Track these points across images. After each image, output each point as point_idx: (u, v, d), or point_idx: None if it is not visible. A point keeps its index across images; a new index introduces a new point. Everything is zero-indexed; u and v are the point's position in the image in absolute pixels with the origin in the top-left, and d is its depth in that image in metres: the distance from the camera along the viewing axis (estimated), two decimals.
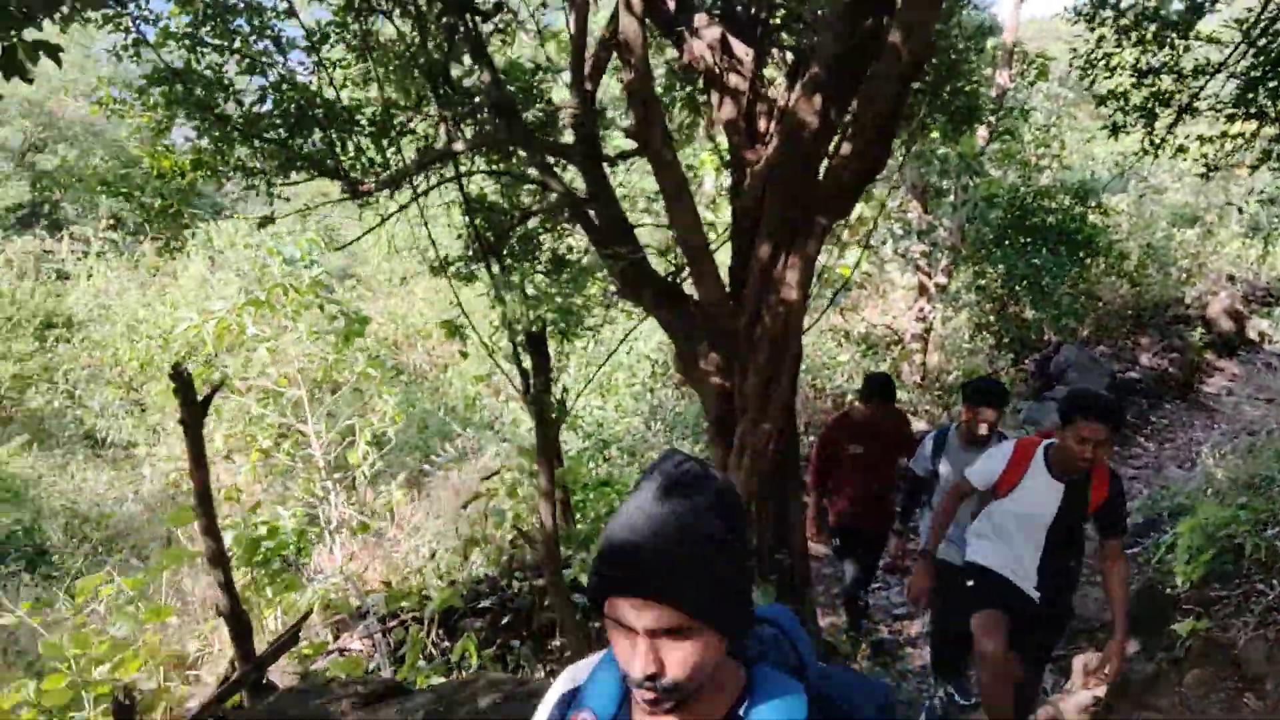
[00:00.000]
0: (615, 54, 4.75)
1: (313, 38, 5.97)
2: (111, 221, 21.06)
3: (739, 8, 4.85)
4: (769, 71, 5.06)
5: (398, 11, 5.58)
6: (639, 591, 1.22)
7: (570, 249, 7.07)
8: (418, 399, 12.02)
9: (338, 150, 6.20)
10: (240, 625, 3.85)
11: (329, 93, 5.90)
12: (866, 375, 5.55)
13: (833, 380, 11.46)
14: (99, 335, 15.78)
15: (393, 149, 6.31)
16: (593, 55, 4.80)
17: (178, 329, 8.73)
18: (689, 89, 6.36)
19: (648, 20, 4.49)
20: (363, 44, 5.78)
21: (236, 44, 5.98)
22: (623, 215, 4.92)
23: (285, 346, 7.81)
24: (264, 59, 5.93)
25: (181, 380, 3.62)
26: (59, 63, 3.16)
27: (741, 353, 4.62)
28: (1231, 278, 15.97)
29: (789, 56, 4.97)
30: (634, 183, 7.63)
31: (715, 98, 4.69)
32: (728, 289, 4.76)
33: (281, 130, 6.02)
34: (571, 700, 1.46)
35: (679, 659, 1.23)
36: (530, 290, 4.34)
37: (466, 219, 6.27)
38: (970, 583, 4.21)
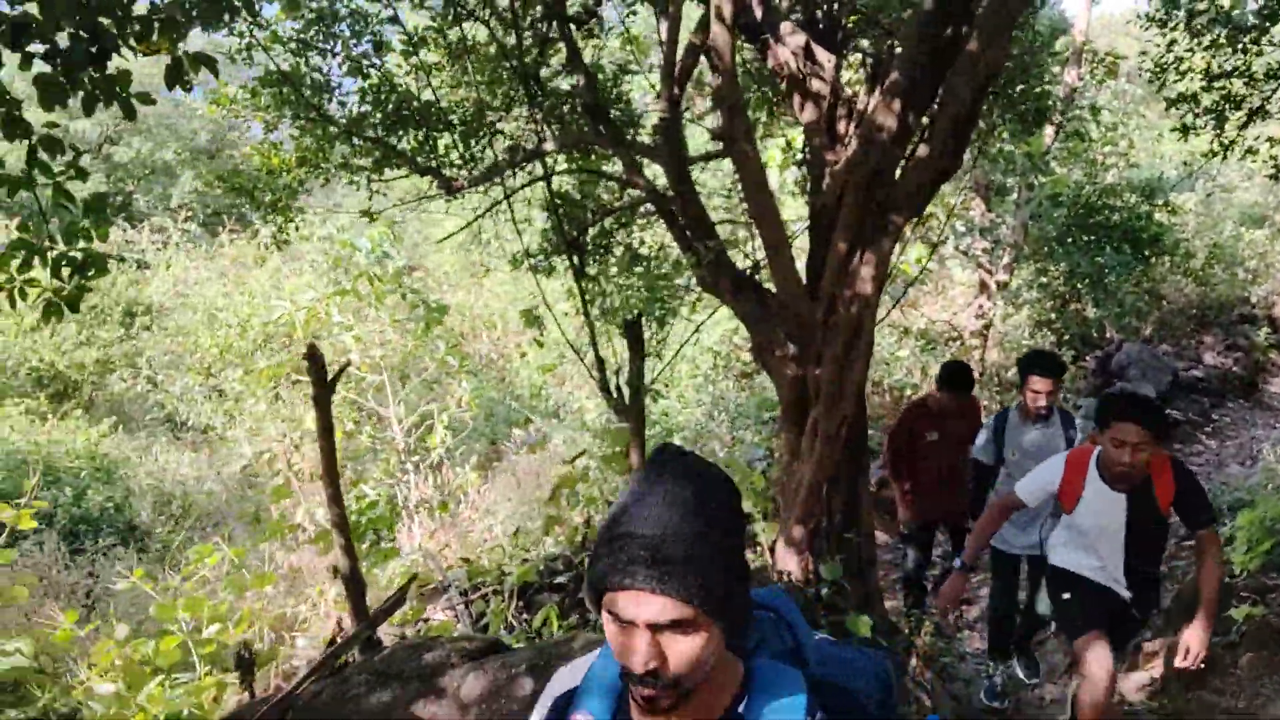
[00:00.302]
0: (702, 59, 5.03)
1: (411, 41, 6.33)
2: (188, 214, 21.83)
3: (819, 14, 5.10)
4: (847, 74, 5.30)
5: (493, 18, 5.91)
6: (640, 583, 1.20)
7: (643, 243, 7.38)
8: (483, 388, 12.42)
9: (428, 148, 6.57)
10: (357, 586, 4.22)
11: (426, 94, 6.25)
12: (944, 363, 5.73)
13: (892, 374, 11.63)
14: (180, 323, 16.45)
15: (480, 147, 6.67)
16: (680, 60, 5.07)
17: (271, 316, 9.18)
18: (764, 90, 6.63)
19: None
20: (459, 48, 6.11)
21: (338, 48, 6.39)
22: (705, 212, 5.20)
23: (369, 334, 8.22)
24: (365, 61, 6.31)
25: (314, 359, 3.98)
26: (216, 74, 3.52)
27: (816, 342, 4.87)
28: None
29: (867, 61, 5.21)
30: (704, 180, 7.90)
31: (797, 101, 4.94)
32: (804, 282, 5.01)
33: (380, 129, 6.40)
34: (569, 702, 1.43)
35: (681, 653, 1.21)
36: (625, 281, 4.62)
37: (549, 215, 6.61)
38: (1066, 595, 4.14)
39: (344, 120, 6.32)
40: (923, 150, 4.57)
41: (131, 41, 3.52)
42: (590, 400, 11.28)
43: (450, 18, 6.37)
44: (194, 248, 21.18)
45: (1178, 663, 3.85)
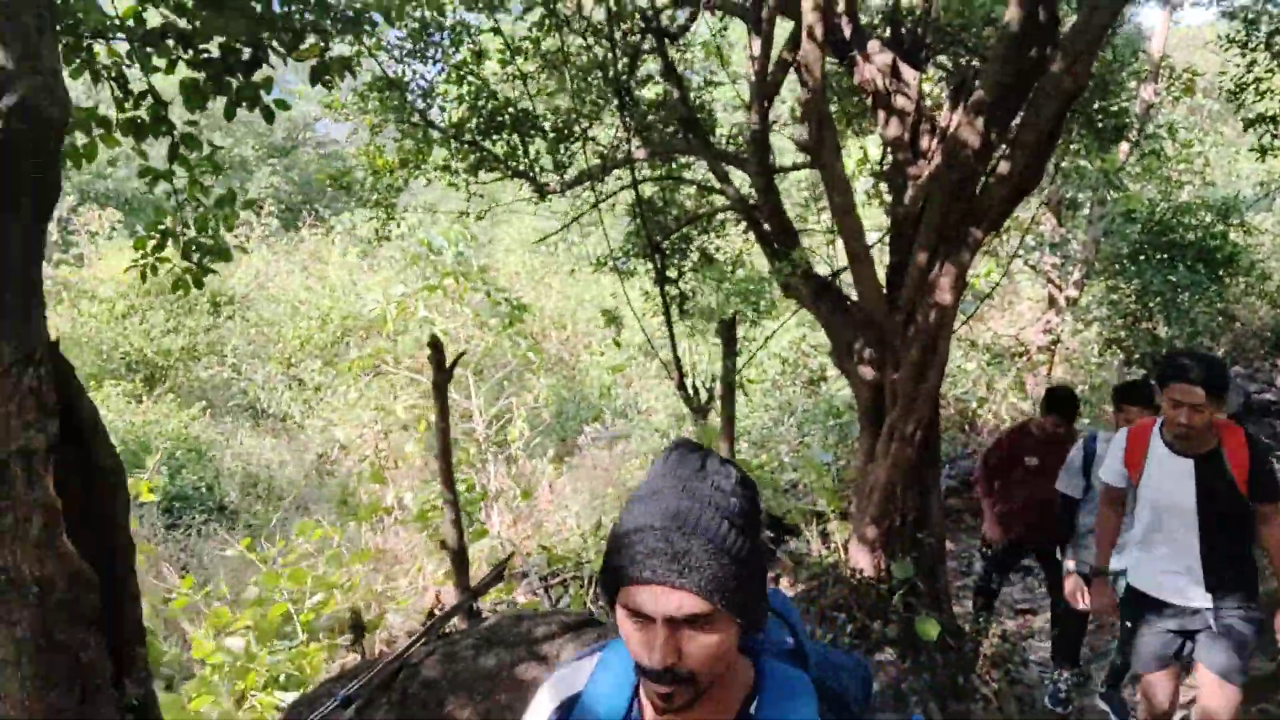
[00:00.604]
0: (793, 73, 5.27)
1: (508, 50, 6.68)
2: (269, 208, 22.63)
3: (904, 33, 5.31)
4: (929, 87, 5.50)
5: (589, 29, 6.23)
6: (659, 578, 1.18)
7: (719, 250, 7.65)
8: (556, 385, 12.79)
9: (521, 153, 6.91)
10: (463, 560, 4.54)
11: (524, 102, 6.59)
12: (1049, 388, 5.65)
13: (957, 387, 11.69)
14: (263, 314, 17.11)
15: (569, 154, 6.99)
16: (771, 74, 5.32)
17: (365, 310, 9.63)
18: (844, 105, 6.85)
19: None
20: (554, 57, 6.44)
21: (439, 55, 6.76)
22: (789, 221, 5.44)
23: (454, 330, 8.60)
24: (464, 69, 6.67)
25: (436, 348, 4.32)
26: (355, 75, 3.87)
27: (895, 349, 5.09)
28: None
29: (950, 79, 5.41)
30: (786, 189, 8.13)
31: (881, 116, 5.16)
32: (884, 291, 5.23)
33: (476, 134, 6.75)
34: (570, 707, 1.40)
35: (698, 649, 1.20)
36: (720, 284, 4.88)
37: (632, 219, 6.91)
38: (1129, 623, 3.99)
39: (444, 125, 6.69)
40: (1004, 167, 4.76)
41: (283, 50, 3.90)
42: (659, 401, 11.56)
43: (546, 28, 6.72)
44: (275, 240, 21.97)
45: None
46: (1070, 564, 4.72)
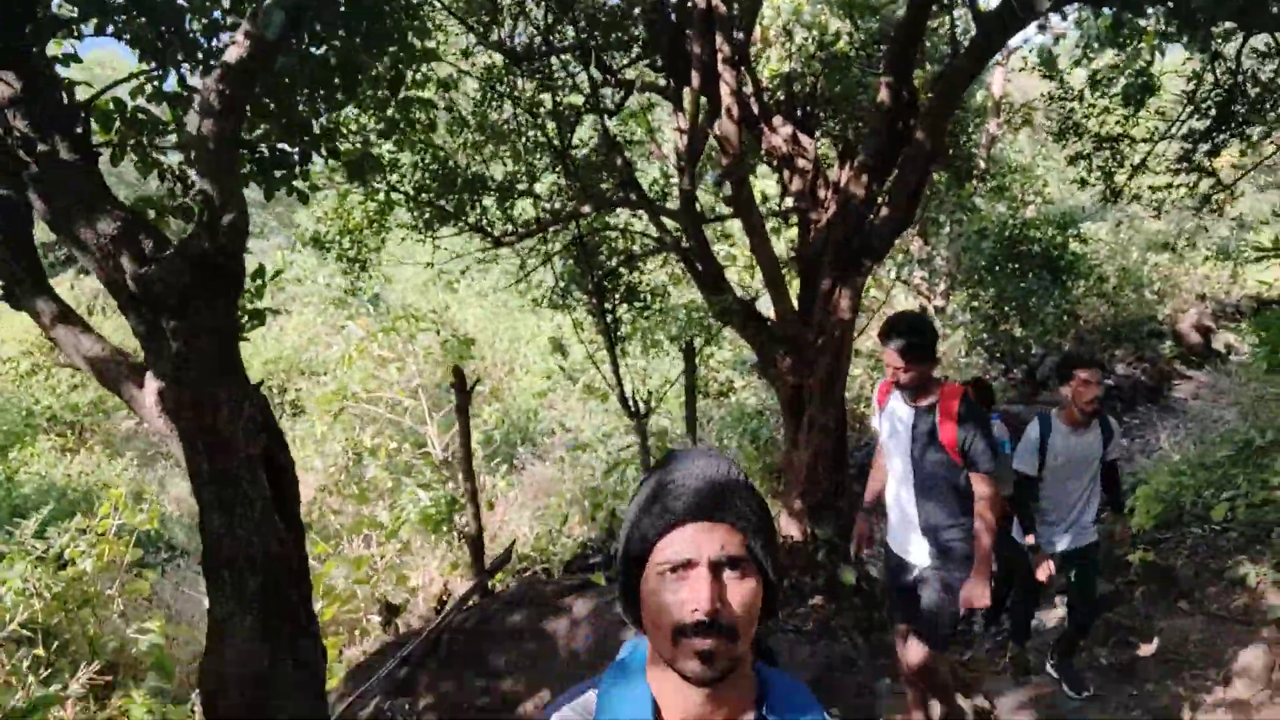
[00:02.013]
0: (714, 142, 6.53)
1: (457, 122, 7.74)
2: None
3: (800, 111, 6.66)
4: (823, 150, 6.85)
5: (533, 105, 7.37)
6: (703, 513, 1.25)
7: (642, 283, 8.88)
8: (495, 413, 13.78)
9: (468, 209, 7.96)
10: (479, 547, 5.57)
11: (475, 166, 7.67)
12: (973, 379, 6.42)
13: (848, 390, 13.19)
14: None
15: (511, 207, 8.08)
16: (694, 145, 6.57)
17: (329, 354, 10.45)
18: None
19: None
20: (503, 127, 7.56)
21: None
22: (719, 264, 6.70)
23: (408, 364, 9.55)
24: (418, 139, 7.67)
25: (459, 376, 5.35)
26: (382, 170, 4.89)
27: (810, 358, 6.38)
28: (1201, 296, 17.71)
29: (839, 143, 6.78)
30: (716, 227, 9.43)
31: (787, 175, 6.48)
32: (798, 311, 6.52)
33: (432, 195, 7.78)
34: None
35: (738, 596, 1.23)
36: (673, 314, 6.07)
37: (573, 261, 8.06)
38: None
39: (403, 188, 7.68)
40: (885, 210, 6.12)
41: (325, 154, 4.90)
42: (585, 420, 12.66)
43: (487, 104, 7.80)
44: None
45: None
46: (1031, 540, 4.75)
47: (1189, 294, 17.58)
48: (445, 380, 10.09)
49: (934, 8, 6.09)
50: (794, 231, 7.91)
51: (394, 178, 7.71)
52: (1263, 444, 7.69)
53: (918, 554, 3.98)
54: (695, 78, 5.98)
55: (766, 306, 6.72)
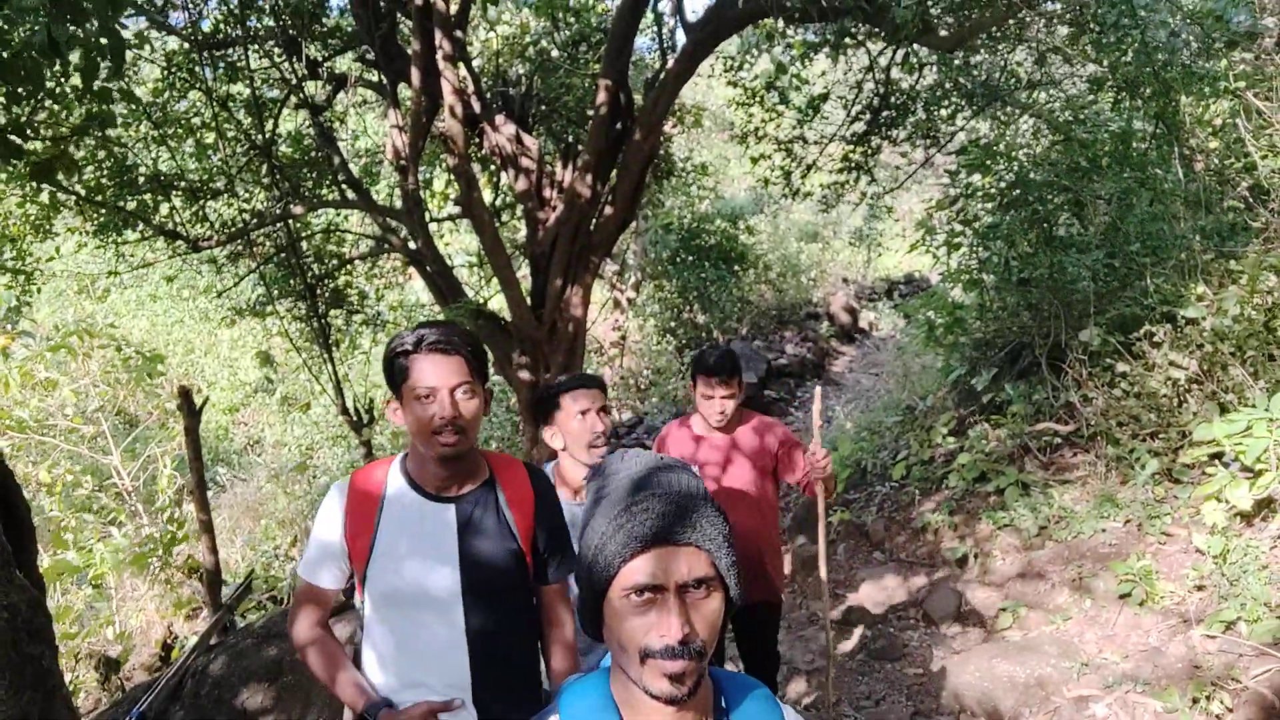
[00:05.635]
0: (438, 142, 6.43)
1: (143, 117, 6.98)
2: None
3: (519, 109, 6.74)
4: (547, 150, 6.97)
5: (226, 99, 6.82)
6: (670, 535, 1.22)
7: (350, 286, 8.55)
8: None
9: (152, 211, 7.21)
10: (216, 580, 5.09)
11: (163, 162, 6.95)
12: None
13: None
14: None
15: (202, 208, 7.41)
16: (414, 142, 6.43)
17: None
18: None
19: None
20: (192, 122, 6.92)
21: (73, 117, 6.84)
22: (447, 266, 6.61)
23: (85, 386, 8.48)
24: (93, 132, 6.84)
25: (186, 397, 4.85)
26: (81, 175, 4.32)
27: (544, 354, 6.50)
28: (846, 280, 19.98)
29: (561, 144, 6.94)
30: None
31: (511, 174, 6.54)
32: (530, 308, 6.61)
33: (110, 195, 6.94)
34: None
35: (705, 617, 1.23)
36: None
37: (284, 268, 7.58)
38: None
39: (75, 187, 6.77)
40: (609, 209, 6.38)
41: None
42: (286, 434, 11.89)
43: (169, 93, 7.10)
44: None
45: None
46: None
47: (835, 278, 19.73)
48: (131, 403, 9.08)
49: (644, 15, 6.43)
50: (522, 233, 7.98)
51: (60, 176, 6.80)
52: (924, 409, 8.90)
53: None
54: (415, 75, 5.86)
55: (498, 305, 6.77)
